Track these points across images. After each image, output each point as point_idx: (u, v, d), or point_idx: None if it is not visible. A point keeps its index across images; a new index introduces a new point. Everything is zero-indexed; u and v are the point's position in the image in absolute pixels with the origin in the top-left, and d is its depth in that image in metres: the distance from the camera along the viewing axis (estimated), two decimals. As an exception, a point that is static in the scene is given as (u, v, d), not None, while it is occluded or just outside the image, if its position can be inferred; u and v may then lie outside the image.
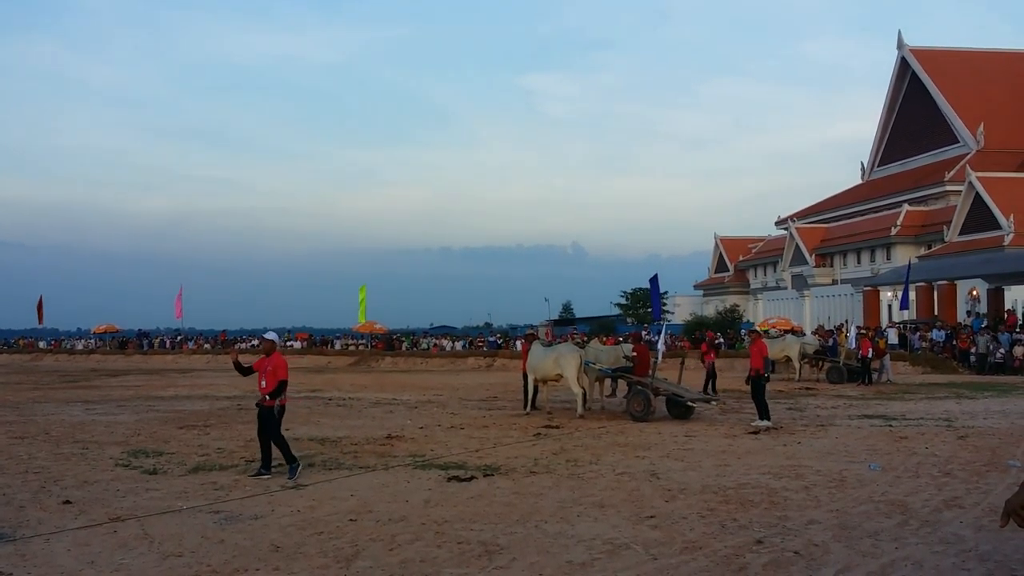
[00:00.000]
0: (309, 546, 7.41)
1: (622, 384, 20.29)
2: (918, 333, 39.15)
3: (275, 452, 11.12)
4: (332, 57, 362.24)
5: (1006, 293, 43.26)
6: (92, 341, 69.49)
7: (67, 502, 9.35)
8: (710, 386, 23.44)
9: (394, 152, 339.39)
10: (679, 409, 17.86)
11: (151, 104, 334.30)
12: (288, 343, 62.28)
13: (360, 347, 57.68)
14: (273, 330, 14.47)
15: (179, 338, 66.46)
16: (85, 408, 21.38)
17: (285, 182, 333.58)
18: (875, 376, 28.48)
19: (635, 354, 19.17)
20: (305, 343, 62.51)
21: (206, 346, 63.50)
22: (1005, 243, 43.13)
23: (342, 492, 9.89)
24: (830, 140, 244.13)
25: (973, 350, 34.88)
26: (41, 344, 69.91)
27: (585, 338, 32.28)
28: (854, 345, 30.76)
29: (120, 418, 18.76)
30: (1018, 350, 33.33)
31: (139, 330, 72.94)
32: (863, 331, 34.03)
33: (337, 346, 60.07)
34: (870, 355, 28.52)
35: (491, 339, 56.97)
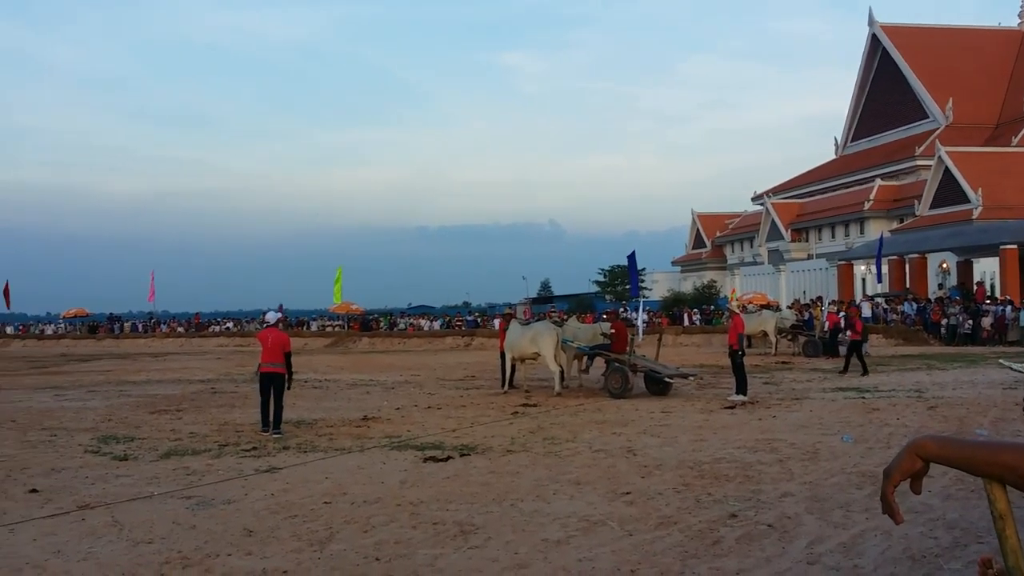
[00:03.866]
0: (282, 530, 7.32)
1: (599, 361, 20.31)
2: (890, 306, 39.48)
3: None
4: (304, 36, 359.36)
5: (975, 265, 43.67)
6: (61, 326, 68.46)
7: (34, 491, 9.16)
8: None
9: (369, 131, 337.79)
10: (657, 385, 17.87)
11: (119, 84, 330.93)
12: (264, 324, 61.81)
13: (336, 328, 57.42)
14: (274, 312, 15.17)
15: (152, 321, 65.87)
16: (54, 394, 21.07)
17: (258, 163, 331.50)
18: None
19: (613, 331, 19.17)
20: (280, 324, 62.12)
21: (179, 329, 62.96)
22: (973, 216, 43.46)
23: (317, 475, 9.80)
24: (804, 116, 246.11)
25: (944, 322, 35.22)
26: (8, 329, 68.55)
27: (564, 316, 32.30)
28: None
29: (90, 404, 18.51)
30: (986, 321, 33.71)
31: (110, 314, 72.09)
32: (832, 306, 34.33)
33: (313, 327, 59.74)
34: (844, 331, 28.74)
35: (469, 318, 56.90)
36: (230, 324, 64.59)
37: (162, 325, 64.79)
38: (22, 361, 40.98)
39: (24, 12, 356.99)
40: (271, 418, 13.14)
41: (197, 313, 73.35)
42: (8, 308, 63.34)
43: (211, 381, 24.61)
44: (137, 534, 7.26)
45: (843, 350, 28.71)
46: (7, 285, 61.29)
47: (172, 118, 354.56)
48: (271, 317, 14.58)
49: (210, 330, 61.89)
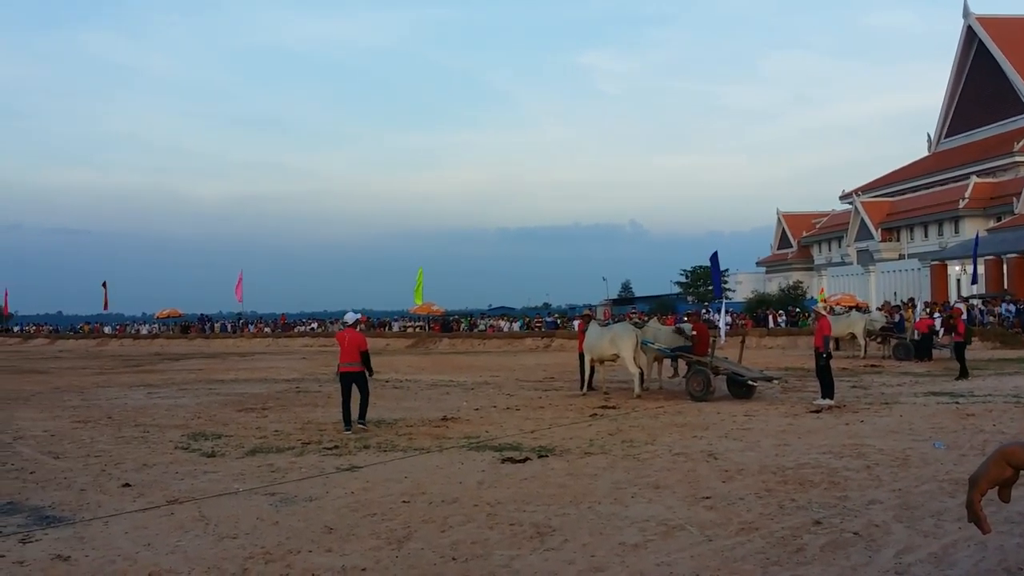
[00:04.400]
0: (362, 528, 7.41)
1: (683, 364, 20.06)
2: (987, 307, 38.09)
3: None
4: (384, 40, 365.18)
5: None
6: (156, 326, 71.00)
7: (127, 485, 9.50)
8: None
9: (450, 134, 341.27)
10: (740, 388, 17.57)
11: (207, 91, 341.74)
12: (343, 324, 62.79)
13: (417, 329, 58.04)
14: (353, 312, 15.66)
15: (240, 322, 67.62)
16: (147, 392, 21.82)
17: (342, 165, 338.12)
18: (946, 351, 27.75)
19: (694, 333, 18.91)
20: (363, 325, 63.11)
21: (266, 330, 64.48)
22: (1078, 214, 41.70)
23: (396, 474, 9.89)
24: (894, 112, 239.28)
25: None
26: (106, 329, 71.33)
27: (644, 318, 32.00)
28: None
29: (181, 401, 19.11)
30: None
31: (201, 314, 74.41)
32: (926, 309, 33.34)
33: (395, 328, 60.51)
34: (940, 332, 27.90)
35: (549, 319, 56.86)
36: (315, 325, 65.86)
37: (250, 326, 66.45)
38: (118, 360, 42.49)
39: (118, 23, 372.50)
40: (358, 410, 13.60)
41: (283, 314, 75.10)
42: (106, 309, 65.94)
43: (296, 381, 25.13)
44: (223, 529, 7.45)
45: (937, 353, 27.88)
46: (105, 284, 63.76)
47: (260, 123, 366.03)
48: (350, 318, 15.11)
49: (295, 330, 63.25)
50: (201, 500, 8.65)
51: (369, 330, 59.96)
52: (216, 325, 68.83)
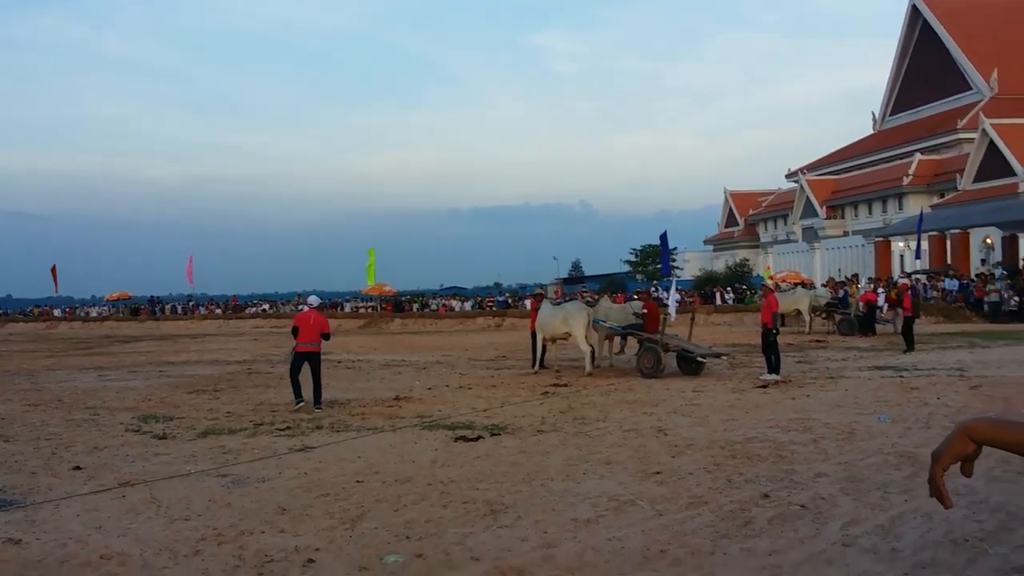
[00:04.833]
0: (315, 508, 7.41)
1: (632, 341, 20.25)
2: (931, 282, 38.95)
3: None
4: (336, 21, 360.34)
5: (1021, 241, 42.83)
6: (106, 308, 70.11)
7: (77, 468, 9.37)
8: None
9: (401, 114, 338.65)
10: (689, 365, 17.81)
11: (160, 73, 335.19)
12: (299, 306, 62.39)
13: (369, 309, 57.78)
14: (316, 295, 15.70)
15: (191, 304, 66.75)
16: (98, 375, 21.48)
17: (293, 147, 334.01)
18: (890, 326, 28.39)
19: (645, 311, 19.10)
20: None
21: (217, 311, 63.75)
22: (1020, 190, 42.58)
23: (349, 454, 9.89)
24: (840, 91, 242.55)
25: (987, 298, 34.65)
26: (56, 312, 70.21)
27: (595, 296, 32.12)
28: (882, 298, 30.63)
29: (132, 384, 18.84)
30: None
31: (151, 296, 73.26)
32: (870, 283, 34.01)
33: (347, 309, 60.17)
34: (883, 307, 28.49)
35: (500, 299, 56.96)
36: (266, 306, 65.29)
37: (200, 307, 65.64)
38: (68, 342, 41.75)
39: (70, 3, 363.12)
40: (312, 395, 13.77)
41: (234, 295, 74.23)
42: (56, 291, 64.62)
43: (247, 362, 24.92)
44: (175, 511, 7.40)
45: (881, 328, 28.49)
46: (55, 268, 62.45)
47: (212, 105, 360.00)
48: (313, 300, 15.41)
49: (247, 312, 62.59)
50: (152, 482, 8.58)
51: (320, 311, 59.37)
52: (167, 307, 67.92)
